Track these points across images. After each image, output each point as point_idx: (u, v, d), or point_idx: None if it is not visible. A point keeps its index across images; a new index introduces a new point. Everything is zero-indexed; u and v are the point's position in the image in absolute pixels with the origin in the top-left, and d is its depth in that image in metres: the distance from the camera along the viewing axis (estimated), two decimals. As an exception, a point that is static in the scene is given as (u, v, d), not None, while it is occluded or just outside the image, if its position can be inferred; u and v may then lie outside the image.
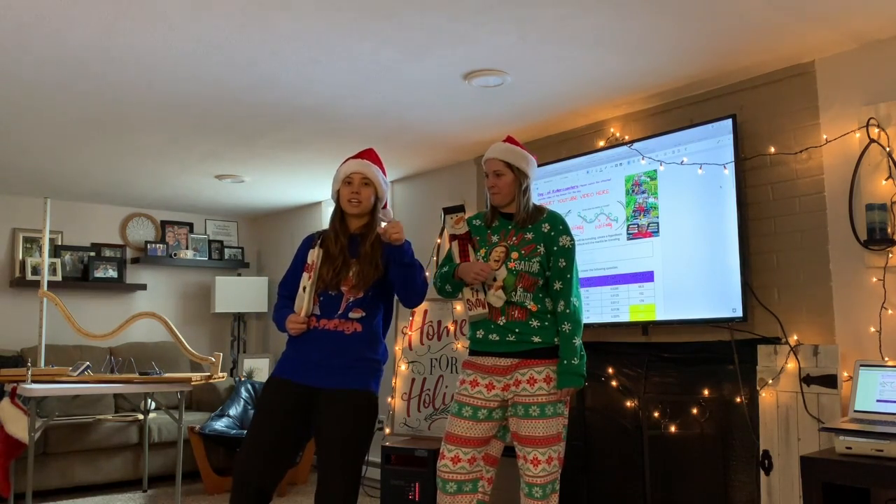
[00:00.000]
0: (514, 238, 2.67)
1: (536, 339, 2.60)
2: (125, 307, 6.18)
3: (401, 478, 3.77)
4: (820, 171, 3.09)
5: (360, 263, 2.57)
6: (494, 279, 2.62)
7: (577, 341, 2.59)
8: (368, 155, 2.69)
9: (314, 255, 2.59)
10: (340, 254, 2.58)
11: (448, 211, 2.76)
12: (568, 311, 2.61)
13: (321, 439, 2.46)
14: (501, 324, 2.62)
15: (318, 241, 2.63)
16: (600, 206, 3.74)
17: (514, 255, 2.64)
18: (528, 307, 2.61)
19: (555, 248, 2.65)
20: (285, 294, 2.71)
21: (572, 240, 2.68)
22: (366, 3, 2.59)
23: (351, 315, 2.56)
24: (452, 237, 2.72)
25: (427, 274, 2.70)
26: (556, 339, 2.62)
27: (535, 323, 2.61)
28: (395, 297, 2.73)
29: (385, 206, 2.73)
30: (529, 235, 2.66)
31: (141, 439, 5.07)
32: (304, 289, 2.56)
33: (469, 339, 2.73)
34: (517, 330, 2.60)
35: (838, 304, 3.00)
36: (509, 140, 2.75)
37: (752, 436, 3.17)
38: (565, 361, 2.56)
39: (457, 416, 2.62)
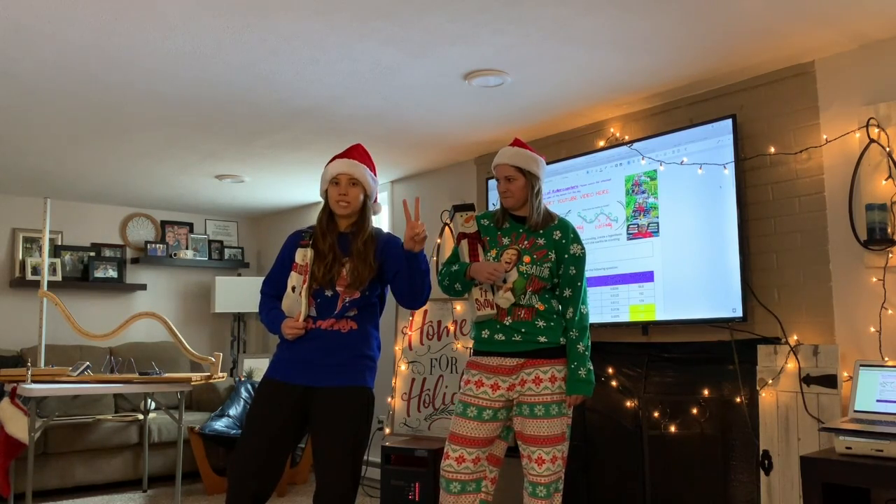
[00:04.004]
0: (525, 242, 2.67)
1: (542, 339, 2.60)
2: (125, 307, 6.18)
3: (401, 478, 3.77)
4: (820, 171, 3.09)
5: (354, 261, 2.51)
6: (504, 280, 2.62)
7: (586, 349, 2.61)
8: (356, 153, 2.60)
9: (307, 257, 2.53)
10: (330, 251, 2.52)
11: (458, 209, 2.73)
12: (577, 318, 2.64)
13: (319, 438, 2.42)
14: (507, 324, 2.62)
15: (310, 242, 2.56)
16: (600, 206, 3.74)
17: (526, 258, 2.64)
18: (536, 306, 2.62)
19: (566, 256, 2.66)
20: (271, 293, 2.64)
21: (583, 249, 2.69)
22: (366, 3, 2.59)
23: (348, 314, 2.53)
24: (462, 235, 2.70)
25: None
26: (561, 340, 2.63)
27: (541, 323, 2.61)
28: (388, 288, 2.67)
29: (375, 201, 2.66)
30: (541, 241, 2.66)
31: (141, 439, 5.07)
32: (294, 288, 2.51)
33: (473, 338, 2.72)
34: (523, 330, 2.61)
35: (838, 305, 3.00)
36: (517, 143, 2.73)
37: (752, 436, 3.17)
38: (576, 371, 2.58)
39: (461, 416, 2.62)
